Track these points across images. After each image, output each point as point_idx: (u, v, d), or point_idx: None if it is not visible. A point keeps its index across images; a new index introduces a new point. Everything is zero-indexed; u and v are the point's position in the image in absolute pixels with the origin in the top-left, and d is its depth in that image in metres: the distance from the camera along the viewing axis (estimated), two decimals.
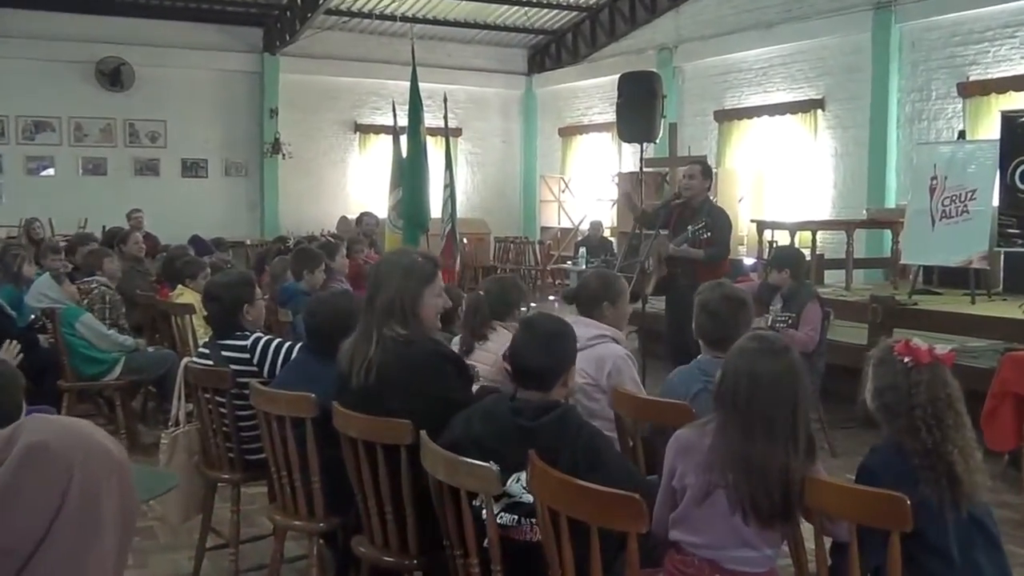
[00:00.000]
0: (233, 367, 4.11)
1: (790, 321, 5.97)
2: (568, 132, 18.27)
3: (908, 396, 2.56)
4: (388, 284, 3.26)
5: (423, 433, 2.89)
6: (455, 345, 4.29)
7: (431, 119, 14.81)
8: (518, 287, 4.59)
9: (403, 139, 10.59)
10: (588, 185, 17.60)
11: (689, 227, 6.98)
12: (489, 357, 4.19)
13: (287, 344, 4.23)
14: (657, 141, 10.48)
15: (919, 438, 2.54)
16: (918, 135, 11.96)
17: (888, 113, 12.28)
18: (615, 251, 13.89)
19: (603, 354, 3.93)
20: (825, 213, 13.07)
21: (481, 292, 4.46)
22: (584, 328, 4.00)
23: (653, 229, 7.67)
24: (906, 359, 2.60)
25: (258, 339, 4.23)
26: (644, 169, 10.45)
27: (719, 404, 2.66)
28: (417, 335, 3.24)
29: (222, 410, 4.13)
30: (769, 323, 5.84)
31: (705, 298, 3.53)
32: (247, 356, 4.18)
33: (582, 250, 11.85)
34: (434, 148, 16.24)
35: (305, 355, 3.91)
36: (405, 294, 3.25)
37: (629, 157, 16.24)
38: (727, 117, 14.70)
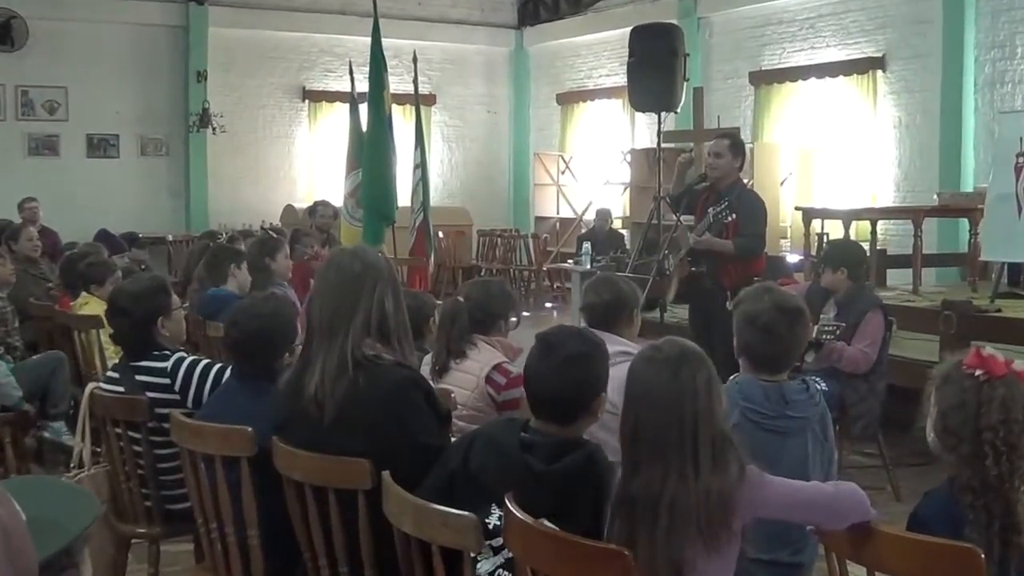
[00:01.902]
0: (150, 395, 4.11)
1: (839, 331, 5.99)
2: (568, 99, 18.31)
3: (976, 416, 2.57)
4: (371, 287, 3.27)
5: (386, 475, 2.90)
6: (427, 366, 4.31)
7: (397, 84, 14.82)
8: (506, 293, 4.60)
9: (363, 109, 10.58)
10: (594, 165, 17.64)
11: (710, 210, 7.01)
12: (468, 379, 4.20)
13: (217, 366, 4.23)
14: (679, 110, 10.51)
15: (981, 468, 2.55)
16: (1000, 102, 12.03)
17: (963, 74, 12.34)
18: (627, 247, 13.92)
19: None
20: (887, 198, 13.14)
21: (461, 298, 4.48)
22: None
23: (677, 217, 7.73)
24: (977, 372, 2.61)
25: (181, 360, 4.23)
26: (662, 145, 10.47)
27: (620, 436, 2.73)
28: (399, 357, 3.27)
29: (137, 448, 4.13)
30: (814, 335, 5.86)
31: (753, 309, 3.52)
32: (167, 381, 4.18)
33: (586, 246, 11.86)
34: (402, 120, 16.22)
35: (235, 379, 3.92)
36: (395, 302, 3.30)
37: (644, 130, 16.28)
38: (765, 80, 14.77)
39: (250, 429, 3.43)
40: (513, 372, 4.27)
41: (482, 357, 4.28)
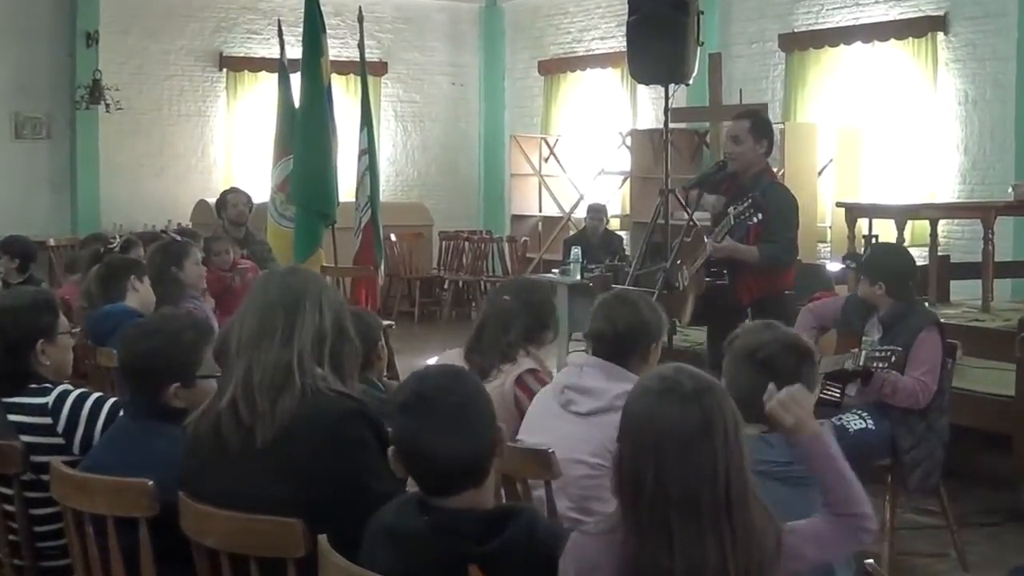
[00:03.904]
0: (25, 438, 4.07)
1: (894, 358, 5.98)
2: (553, 69, 18.34)
3: None
4: (314, 306, 3.37)
5: (322, 540, 2.90)
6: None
7: (339, 49, 14.81)
8: (550, 298, 4.87)
9: (295, 80, 10.59)
10: (585, 151, 17.68)
11: (730, 210, 7.02)
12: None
13: (111, 401, 4.21)
14: (691, 82, 10.54)
15: None
16: None
17: None
18: (627, 252, 13.91)
19: None
20: (950, 192, 13.20)
21: (507, 298, 4.68)
22: (607, 379, 4.08)
23: (692, 208, 7.75)
24: None
25: (65, 394, 4.21)
26: (671, 125, 10.50)
27: (618, 497, 2.74)
28: (348, 387, 3.36)
29: (8, 507, 4.10)
30: (860, 363, 5.87)
31: (751, 343, 3.62)
32: (48, 421, 4.15)
33: (575, 251, 11.80)
34: (344, 94, 16.25)
35: (129, 417, 3.91)
36: (340, 325, 3.40)
37: (648, 106, 16.32)
38: (799, 44, 14.82)
39: (150, 482, 3.41)
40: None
41: (518, 369, 4.44)
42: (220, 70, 17.65)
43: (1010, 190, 10.94)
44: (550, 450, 3.93)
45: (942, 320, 6.80)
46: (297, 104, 10.52)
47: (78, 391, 4.27)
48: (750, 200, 6.96)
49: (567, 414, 4.32)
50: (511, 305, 4.54)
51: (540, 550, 2.79)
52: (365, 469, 3.21)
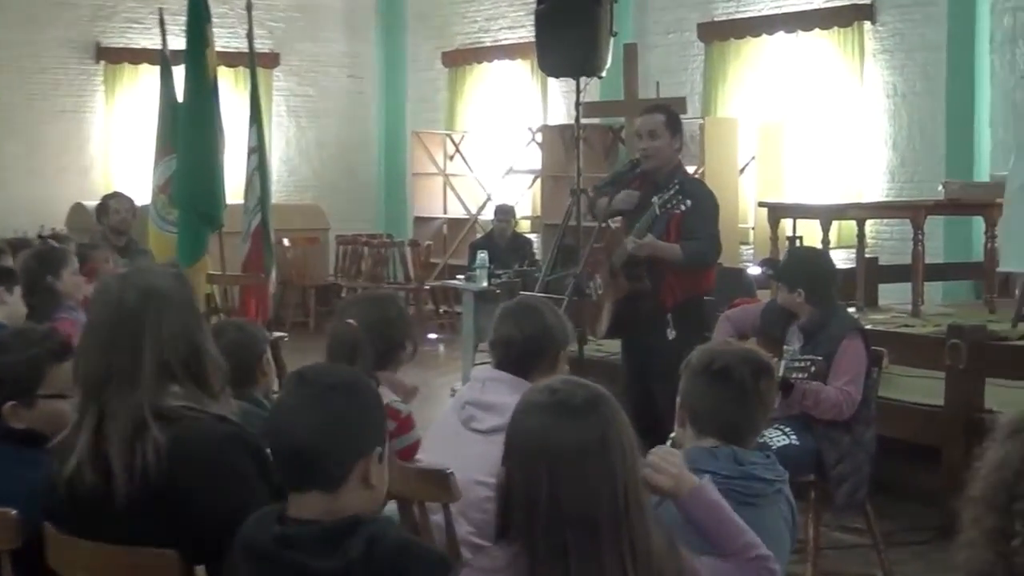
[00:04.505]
0: None
1: (814, 368, 6.02)
2: (458, 60, 18.36)
3: (1016, 477, 2.54)
4: (156, 322, 3.27)
5: (200, 571, 2.92)
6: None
7: (227, 39, 14.65)
8: (403, 313, 4.74)
9: (178, 73, 10.48)
10: (493, 148, 17.72)
11: (655, 199, 6.97)
12: None
13: None
14: (604, 75, 10.56)
15: (1006, 550, 2.57)
16: (1023, 63, 12.26)
17: (976, 28, 12.54)
18: (537, 257, 13.92)
19: None
20: (878, 191, 13.37)
21: (352, 321, 4.49)
22: (507, 395, 4.04)
23: (600, 219, 7.71)
24: None
25: None
26: (583, 121, 10.52)
27: (500, 520, 2.75)
28: (203, 406, 3.27)
29: None
30: (780, 373, 5.88)
31: (707, 357, 3.62)
32: None
33: (482, 256, 11.80)
34: (232, 88, 16.16)
35: None
36: (190, 339, 3.30)
37: (559, 101, 16.34)
38: (719, 34, 14.94)
39: (14, 512, 3.37)
40: (403, 412, 4.37)
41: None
42: (97, 62, 17.51)
43: (940, 188, 11.07)
44: (448, 470, 3.91)
45: (869, 326, 6.88)
46: (181, 99, 10.40)
47: None
48: (676, 187, 6.92)
49: (468, 432, 4.30)
50: (357, 330, 4.41)
51: (381, 568, 2.73)
52: (243, 499, 3.13)
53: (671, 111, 7.67)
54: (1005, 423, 2.66)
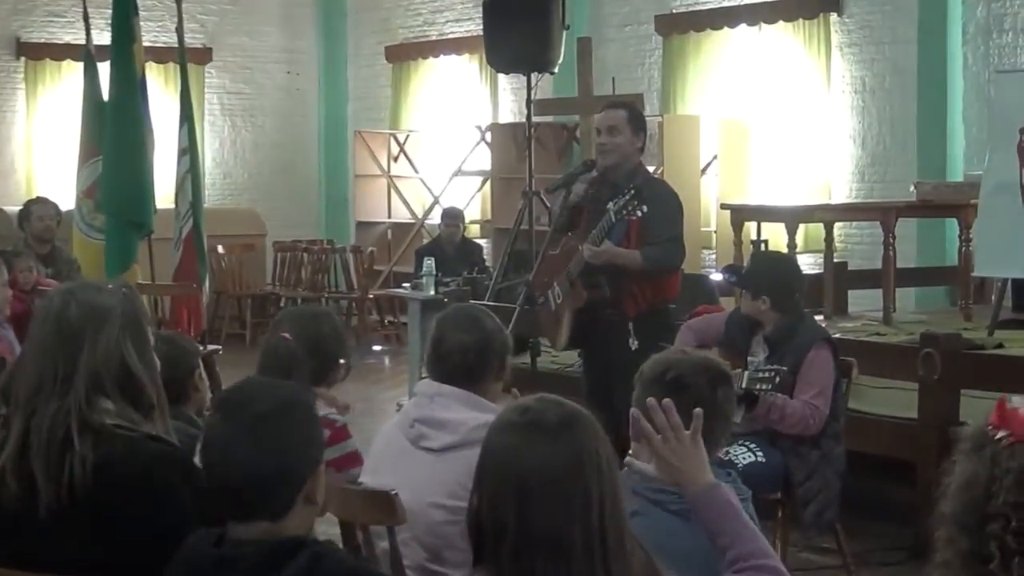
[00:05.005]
0: None
1: (779, 379, 6.02)
2: (402, 55, 18.32)
3: (986, 496, 2.53)
4: (94, 339, 3.31)
5: None
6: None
7: (155, 33, 14.59)
8: (338, 328, 4.69)
9: (104, 69, 10.43)
10: (440, 148, 17.69)
11: (610, 205, 6.95)
12: None
13: None
14: (557, 70, 10.56)
15: (983, 572, 2.56)
16: (998, 56, 12.30)
17: (948, 19, 12.56)
18: (488, 263, 13.90)
19: None
20: (846, 191, 13.41)
21: (287, 335, 4.49)
22: (458, 410, 4.06)
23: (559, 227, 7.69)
24: (999, 434, 2.57)
25: None
26: (535, 119, 10.53)
27: (473, 544, 2.74)
28: (136, 425, 3.29)
29: None
30: (743, 385, 5.89)
31: (660, 366, 3.60)
32: None
33: (428, 263, 11.77)
34: (161, 85, 16.07)
35: None
36: (127, 358, 3.33)
37: (510, 97, 16.33)
38: (678, 27, 14.93)
39: None
40: (339, 422, 4.38)
41: None
42: (17, 59, 17.39)
43: (912, 188, 11.09)
44: (392, 491, 3.89)
45: (838, 335, 6.89)
46: (106, 97, 10.36)
47: None
48: (632, 191, 6.86)
49: (418, 451, 4.26)
50: (292, 345, 4.44)
51: None
52: (174, 520, 3.14)
53: (635, 108, 7.69)
54: (968, 436, 2.66)
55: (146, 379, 3.34)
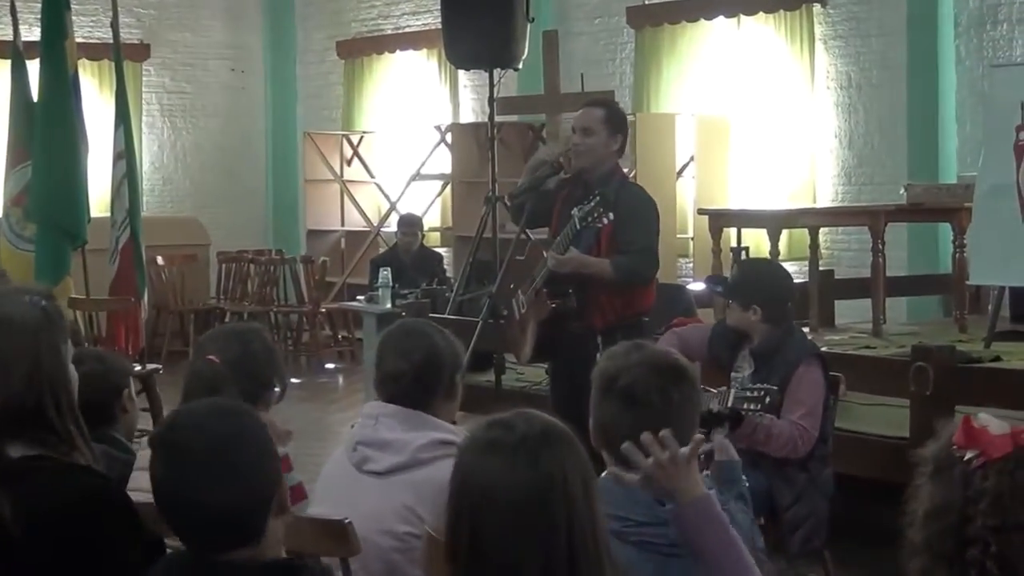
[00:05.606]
0: None
1: (768, 399, 6.00)
2: (355, 51, 18.38)
3: (961, 520, 2.55)
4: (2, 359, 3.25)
5: None
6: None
7: (89, 28, 14.52)
8: (269, 348, 4.67)
9: (33, 67, 10.39)
10: (397, 150, 17.73)
11: (575, 212, 6.93)
12: None
13: None
14: (521, 66, 10.54)
15: None
16: (992, 49, 12.38)
17: (938, 10, 12.63)
18: (448, 274, 13.88)
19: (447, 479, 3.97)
20: (832, 194, 13.47)
21: (214, 358, 4.46)
22: (406, 429, 4.11)
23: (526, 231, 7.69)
24: (968, 453, 2.59)
25: None
26: (497, 118, 10.51)
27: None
28: (59, 454, 3.24)
29: None
30: (729, 404, 5.86)
31: (611, 369, 3.57)
32: None
33: (384, 273, 11.76)
34: (95, 85, 16.01)
35: None
36: (50, 375, 3.27)
37: (471, 95, 16.32)
38: (651, 19, 14.97)
39: None
40: (279, 454, 4.29)
41: None
42: None
43: (902, 191, 11.12)
44: (346, 520, 3.90)
45: (825, 348, 6.88)
46: (36, 97, 10.33)
47: None
48: (597, 197, 6.83)
49: (364, 475, 4.29)
50: (219, 368, 4.38)
51: None
52: (112, 567, 3.17)
53: (614, 107, 7.69)
54: (930, 458, 2.68)
55: (66, 402, 3.28)
